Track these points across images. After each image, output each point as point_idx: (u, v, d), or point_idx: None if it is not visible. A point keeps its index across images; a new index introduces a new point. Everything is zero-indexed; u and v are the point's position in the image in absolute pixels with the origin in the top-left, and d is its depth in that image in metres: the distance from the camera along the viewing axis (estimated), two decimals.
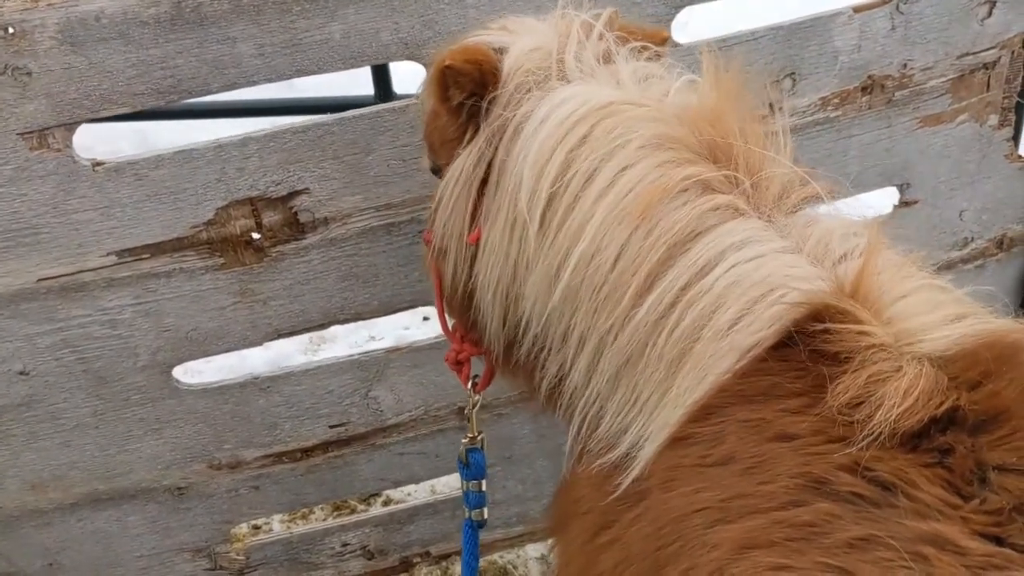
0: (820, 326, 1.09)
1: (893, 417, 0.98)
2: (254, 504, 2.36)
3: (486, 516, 1.80)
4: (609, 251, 1.21)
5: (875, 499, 0.96)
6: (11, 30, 1.64)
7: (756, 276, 1.14)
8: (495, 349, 1.49)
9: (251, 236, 1.96)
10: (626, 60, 1.35)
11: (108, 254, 1.89)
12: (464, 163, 1.40)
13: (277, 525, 2.95)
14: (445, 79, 1.39)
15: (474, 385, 1.73)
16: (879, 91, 2.25)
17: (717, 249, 1.17)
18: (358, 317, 2.15)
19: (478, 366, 1.75)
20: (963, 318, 1.09)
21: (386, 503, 2.98)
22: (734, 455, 1.09)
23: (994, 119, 2.40)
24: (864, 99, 2.25)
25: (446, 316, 1.70)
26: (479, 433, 1.79)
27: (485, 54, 1.39)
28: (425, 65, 1.89)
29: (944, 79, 2.28)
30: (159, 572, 2.41)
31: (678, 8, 2.00)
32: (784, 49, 2.12)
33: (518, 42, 1.40)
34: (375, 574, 2.62)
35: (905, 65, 2.23)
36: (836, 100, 2.21)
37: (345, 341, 3.51)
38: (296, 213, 1.96)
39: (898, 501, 0.95)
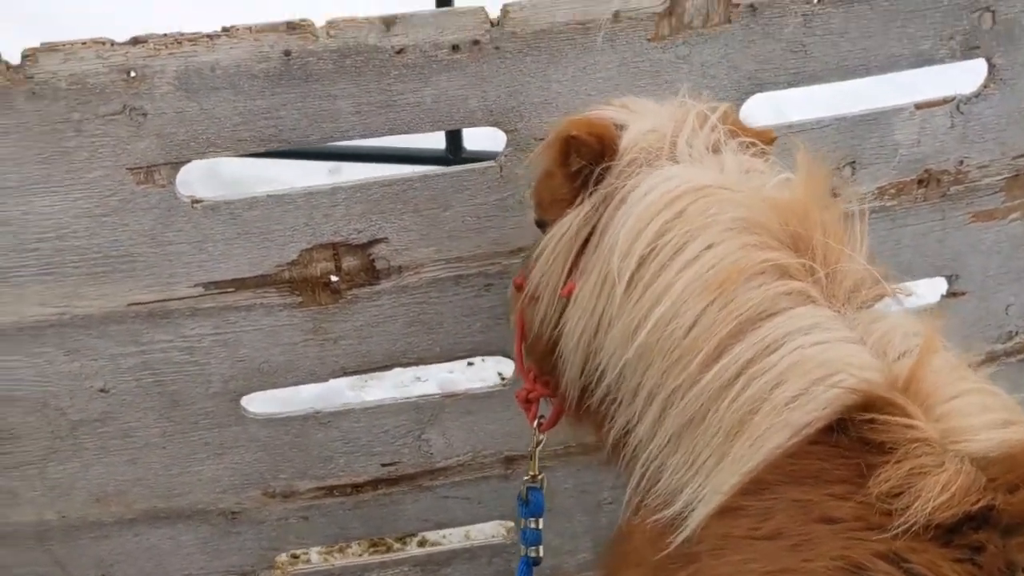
0: (870, 415, 1.17)
1: (929, 509, 1.05)
2: (301, 534, 2.44)
3: (542, 554, 1.88)
4: (685, 318, 1.31)
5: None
6: (133, 73, 1.78)
7: (818, 359, 1.22)
8: (570, 394, 1.59)
9: (329, 278, 2.07)
10: (733, 152, 1.46)
11: (196, 285, 2.01)
12: (571, 222, 1.52)
13: (315, 556, 3.02)
14: (568, 147, 1.52)
15: (539, 425, 1.81)
16: (935, 185, 2.34)
17: (785, 330, 1.26)
18: (420, 361, 2.25)
19: (544, 407, 1.84)
20: (1010, 424, 1.16)
21: (422, 544, 3.06)
22: (782, 531, 1.16)
23: None
24: (920, 191, 2.33)
25: (523, 357, 1.81)
26: (540, 472, 1.87)
27: (607, 129, 1.52)
28: (507, 131, 2.01)
29: (999, 178, 2.37)
30: None
31: (749, 94, 2.11)
32: (847, 139, 2.22)
33: (637, 122, 1.53)
34: None
35: (961, 162, 2.32)
36: (893, 190, 2.30)
37: (391, 380, 3.60)
38: (373, 260, 2.07)
39: None
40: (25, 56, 1.74)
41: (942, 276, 2.46)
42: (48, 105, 1.77)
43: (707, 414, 1.28)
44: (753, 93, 2.11)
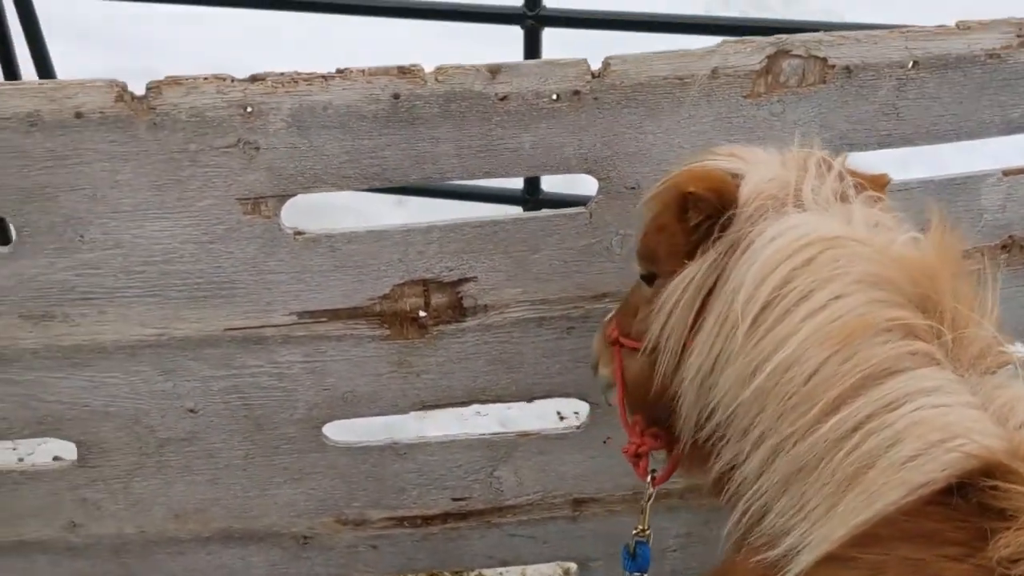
0: (990, 482, 1.18)
1: None
2: (369, 563, 2.48)
3: None
4: (806, 366, 1.32)
5: None
6: (249, 109, 1.85)
7: (938, 422, 1.23)
8: (684, 438, 1.60)
9: (418, 313, 2.12)
10: (861, 204, 1.48)
11: (290, 314, 2.07)
12: (695, 274, 1.52)
13: None
14: (685, 202, 1.53)
15: (652, 479, 1.83)
16: (1018, 251, 2.34)
17: (908, 390, 1.27)
18: (498, 400, 2.28)
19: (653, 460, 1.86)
20: None
21: None
22: None
23: None
24: (1003, 256, 2.33)
25: (627, 411, 1.83)
26: (648, 527, 1.88)
27: (725, 182, 1.53)
28: (599, 179, 2.06)
29: None
30: None
31: (839, 154, 2.13)
32: (934, 202, 2.23)
33: (757, 171, 1.53)
34: None
35: None
36: (977, 255, 2.30)
37: (453, 412, 3.64)
38: (461, 298, 2.12)
39: None
40: (149, 88, 1.82)
41: (1022, 342, 2.45)
42: (168, 135, 1.85)
43: (820, 463, 1.30)
44: (844, 153, 2.13)
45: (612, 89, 1.97)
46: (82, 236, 1.92)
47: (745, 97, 2.03)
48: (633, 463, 1.84)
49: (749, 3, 7.03)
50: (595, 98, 1.97)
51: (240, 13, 4.11)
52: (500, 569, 3.03)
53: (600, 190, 2.07)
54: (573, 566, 2.98)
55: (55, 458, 2.90)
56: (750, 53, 2.00)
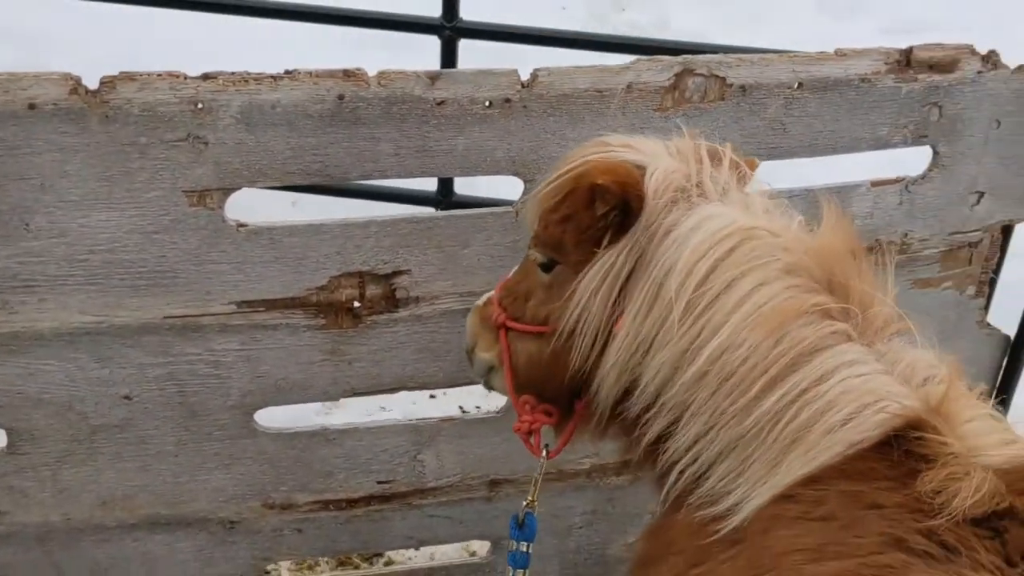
0: (914, 433, 1.41)
1: (966, 505, 1.30)
2: (293, 546, 2.57)
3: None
4: (742, 349, 1.51)
5: (941, 556, 1.27)
6: (200, 105, 1.94)
7: (863, 388, 1.46)
8: (600, 411, 1.76)
9: (353, 304, 2.24)
10: (756, 192, 1.69)
11: (229, 303, 2.16)
12: (612, 260, 1.67)
13: (285, 573, 3.13)
14: (593, 194, 1.66)
15: (547, 452, 1.98)
16: (882, 253, 2.65)
17: (833, 364, 1.48)
18: (424, 387, 2.43)
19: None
20: (1013, 443, 1.43)
21: (388, 563, 3.19)
22: (833, 514, 1.39)
23: (972, 290, 2.81)
24: (871, 258, 2.64)
25: (515, 390, 1.94)
26: (536, 499, 2.05)
27: (631, 174, 1.67)
28: (525, 180, 2.23)
29: (936, 251, 2.69)
30: None
31: None
32: (811, 208, 2.50)
33: (659, 162, 1.69)
34: None
35: (906, 234, 2.64)
36: None
37: (358, 408, 3.74)
38: (395, 289, 2.25)
39: (960, 559, 1.26)
40: (104, 82, 1.88)
41: None
42: (119, 128, 1.92)
43: (762, 434, 1.49)
44: (727, 143, 2.36)
45: (539, 98, 2.15)
46: (27, 225, 1.96)
47: (655, 110, 2.25)
48: (525, 439, 1.96)
49: (625, 24, 7.37)
50: (524, 106, 2.14)
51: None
52: (409, 553, 3.16)
53: (525, 191, 2.24)
54: (477, 547, 3.15)
55: None
56: (660, 70, 2.22)
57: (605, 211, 1.68)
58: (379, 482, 2.52)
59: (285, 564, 3.06)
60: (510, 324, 1.90)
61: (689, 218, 1.62)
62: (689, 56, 2.25)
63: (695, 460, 1.59)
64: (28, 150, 1.89)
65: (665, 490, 1.65)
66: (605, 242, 1.71)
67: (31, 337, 2.09)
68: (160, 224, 2.03)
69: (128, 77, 1.88)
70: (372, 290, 2.24)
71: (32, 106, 1.85)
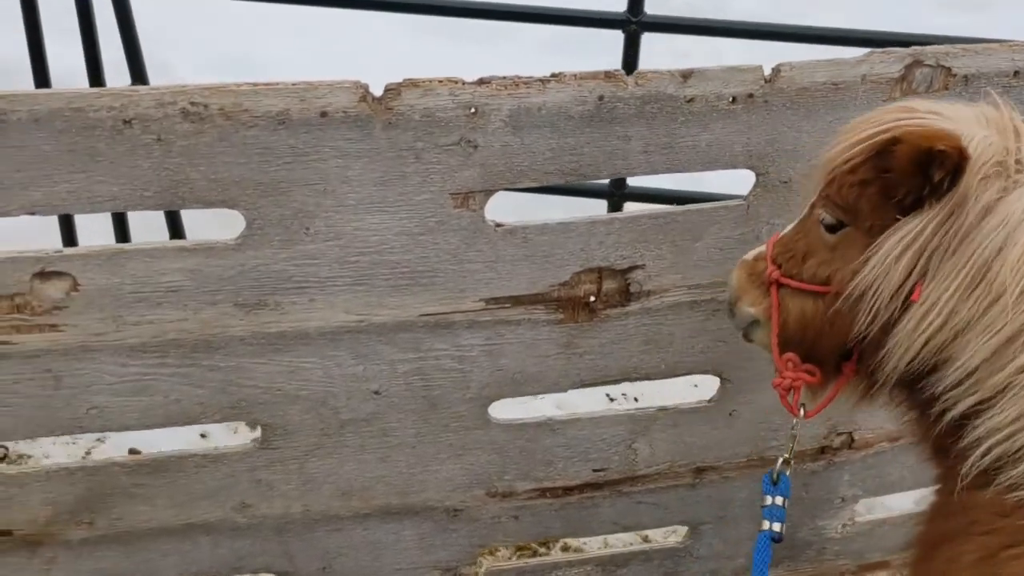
0: None
1: None
2: (509, 532, 2.65)
3: (783, 531, 2.08)
4: None
5: None
6: (473, 110, 1.99)
7: None
8: (882, 379, 1.81)
9: (590, 299, 2.29)
10: None
11: (479, 300, 2.22)
12: (919, 227, 1.69)
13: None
14: (930, 158, 1.65)
15: (804, 413, 2.04)
16: None
17: None
18: (646, 377, 2.48)
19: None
20: None
21: (565, 549, 3.26)
22: None
23: None
24: None
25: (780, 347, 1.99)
26: (792, 457, 2.11)
27: (962, 141, 1.67)
28: (758, 173, 2.27)
29: None
30: None
31: None
32: None
33: (976, 133, 1.69)
34: None
35: None
36: None
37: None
38: (629, 284, 2.30)
39: None
40: (388, 89, 1.94)
41: None
42: (399, 134, 1.97)
43: None
44: None
45: (780, 93, 2.18)
46: (308, 229, 2.02)
47: (885, 101, 2.28)
48: (783, 396, 2.01)
49: (683, 4, 7.26)
50: (765, 101, 2.18)
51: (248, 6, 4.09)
52: (584, 539, 3.23)
53: (757, 184, 2.29)
54: (649, 535, 3.21)
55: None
56: (892, 62, 2.25)
57: (941, 177, 1.67)
58: (595, 470, 2.58)
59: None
60: (784, 281, 1.93)
61: (1019, 198, 1.63)
62: (919, 47, 2.28)
63: (1009, 438, 1.63)
64: (316, 157, 1.95)
65: (967, 468, 1.69)
66: (908, 209, 1.72)
67: (296, 336, 2.16)
68: (426, 226, 2.09)
69: (412, 84, 1.94)
70: (608, 284, 2.29)
71: (324, 114, 1.90)
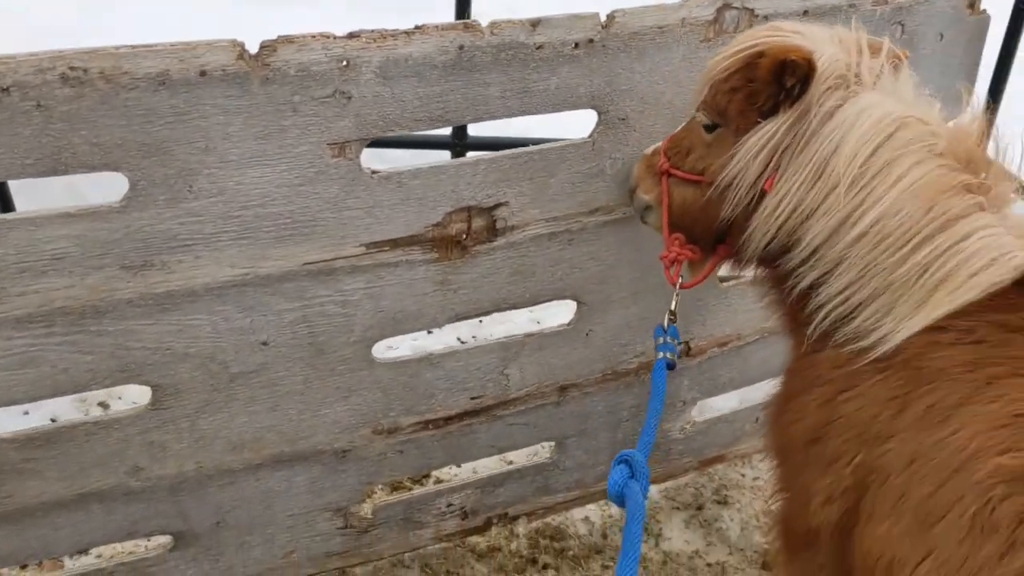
0: None
1: None
2: (395, 467, 2.80)
3: (676, 360, 2.36)
4: (899, 216, 1.86)
5: None
6: (345, 63, 2.10)
7: (996, 244, 1.82)
8: (746, 259, 2.14)
9: (461, 237, 2.46)
10: (904, 82, 2.02)
11: (360, 245, 2.34)
12: (776, 129, 1.98)
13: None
14: (784, 68, 1.96)
15: (683, 284, 2.35)
16: None
17: (972, 228, 1.85)
18: (512, 307, 2.69)
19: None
20: None
21: (437, 482, 3.44)
22: (985, 338, 1.76)
23: None
24: None
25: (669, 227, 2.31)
26: (675, 315, 2.42)
27: (813, 55, 1.97)
28: (600, 112, 2.51)
29: None
30: (300, 531, 2.79)
31: None
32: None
33: (826, 50, 1.99)
34: (463, 533, 3.11)
35: None
36: None
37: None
38: (495, 220, 2.49)
39: None
40: (264, 46, 2.01)
41: None
42: (277, 89, 2.05)
43: (911, 278, 1.85)
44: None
45: (615, 37, 2.42)
46: (191, 187, 2.07)
47: (701, 42, 2.57)
48: (667, 267, 2.34)
49: None
50: (603, 45, 2.41)
51: None
52: (454, 469, 3.42)
53: (599, 122, 2.53)
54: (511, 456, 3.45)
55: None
56: (706, 6, 2.54)
57: (792, 84, 1.98)
58: (472, 398, 2.78)
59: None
60: (672, 171, 2.27)
61: (853, 105, 1.95)
62: None
63: (844, 302, 1.94)
64: (197, 115, 2.00)
65: (811, 331, 2.00)
66: (777, 113, 2.02)
67: (183, 295, 2.20)
68: (306, 176, 2.18)
69: (287, 40, 2.02)
70: (477, 222, 2.47)
71: (203, 73, 1.96)
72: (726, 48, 2.15)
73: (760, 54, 2.04)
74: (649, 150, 2.41)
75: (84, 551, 2.95)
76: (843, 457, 1.93)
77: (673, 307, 2.41)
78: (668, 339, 2.38)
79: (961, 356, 1.78)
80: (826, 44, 2.04)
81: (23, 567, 2.92)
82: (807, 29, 2.11)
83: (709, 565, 3.18)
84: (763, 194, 2.05)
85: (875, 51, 2.06)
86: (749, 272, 2.27)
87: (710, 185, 2.14)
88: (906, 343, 1.86)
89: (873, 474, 1.86)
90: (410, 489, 3.34)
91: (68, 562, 2.97)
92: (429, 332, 3.93)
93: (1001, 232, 1.87)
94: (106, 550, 2.99)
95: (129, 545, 2.98)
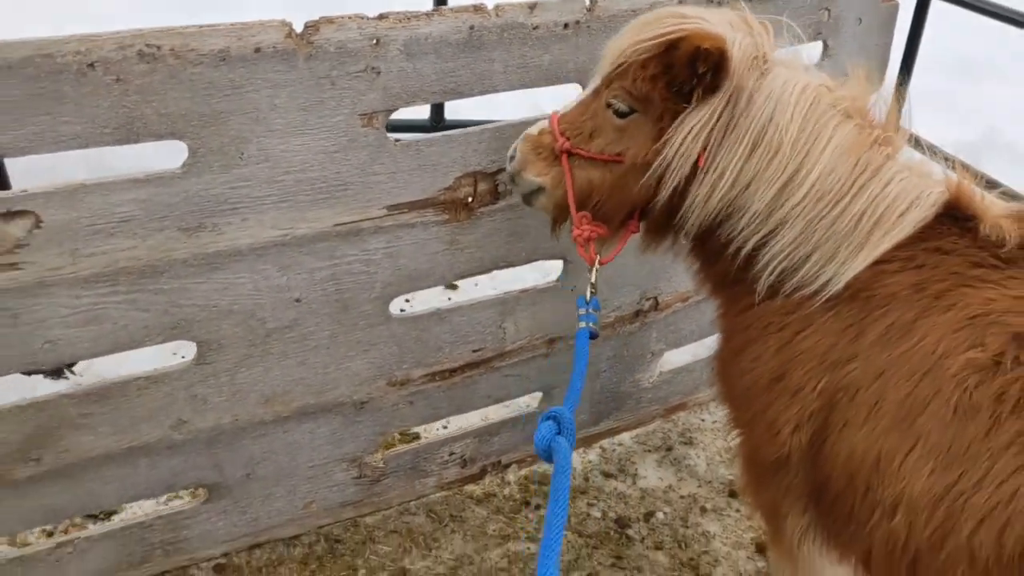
0: (956, 205, 2.11)
1: (1015, 237, 2.09)
2: (405, 417, 3.06)
3: (598, 329, 2.49)
4: (836, 173, 2.15)
5: (1005, 266, 2.04)
6: (375, 40, 2.37)
7: (912, 186, 2.17)
8: (683, 232, 2.29)
9: (468, 199, 2.75)
10: (794, 54, 2.30)
11: (382, 207, 2.60)
12: (709, 112, 2.15)
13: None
14: (696, 56, 2.12)
15: (599, 261, 2.44)
16: None
17: (889, 175, 2.16)
18: (510, 265, 2.98)
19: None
20: (1006, 202, 2.22)
21: (416, 438, 3.68)
22: (924, 263, 2.08)
23: None
24: None
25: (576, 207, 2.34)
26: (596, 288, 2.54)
27: (725, 42, 2.14)
28: (583, 87, 2.82)
29: None
30: (320, 482, 3.02)
31: None
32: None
33: (736, 35, 2.18)
34: (461, 480, 3.38)
35: None
36: None
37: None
38: (497, 184, 2.78)
39: (1017, 266, 2.02)
40: (308, 26, 2.26)
41: None
42: (318, 64, 2.30)
43: (849, 228, 2.13)
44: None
45: (597, 19, 2.75)
46: (242, 154, 2.30)
47: None
48: (582, 244, 2.37)
49: None
50: (588, 26, 2.73)
51: None
52: (445, 424, 3.68)
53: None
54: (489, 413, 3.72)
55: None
56: None
57: (704, 71, 2.14)
58: (473, 351, 3.06)
59: None
60: (576, 151, 2.27)
61: (773, 80, 2.18)
62: None
63: (789, 256, 2.17)
64: (250, 88, 2.23)
65: (760, 285, 2.21)
66: (695, 99, 2.18)
67: (230, 254, 2.43)
68: (340, 144, 2.44)
69: (327, 21, 2.27)
70: (482, 186, 2.76)
71: (258, 50, 2.20)
72: (633, 31, 2.22)
73: (678, 40, 2.12)
74: (534, 130, 2.38)
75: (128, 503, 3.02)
76: (807, 385, 2.14)
77: (593, 279, 2.47)
78: (591, 310, 2.50)
79: (908, 279, 2.09)
80: (729, 29, 2.23)
81: (49, 533, 3.06)
82: (706, 13, 2.27)
83: (682, 497, 3.52)
84: (694, 172, 2.21)
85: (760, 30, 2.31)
86: (667, 244, 2.40)
87: (631, 167, 2.23)
88: (852, 281, 2.13)
89: (840, 392, 2.10)
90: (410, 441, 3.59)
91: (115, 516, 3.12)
92: (407, 301, 4.18)
93: (910, 175, 2.22)
94: (143, 506, 3.11)
95: (163, 500, 3.13)
